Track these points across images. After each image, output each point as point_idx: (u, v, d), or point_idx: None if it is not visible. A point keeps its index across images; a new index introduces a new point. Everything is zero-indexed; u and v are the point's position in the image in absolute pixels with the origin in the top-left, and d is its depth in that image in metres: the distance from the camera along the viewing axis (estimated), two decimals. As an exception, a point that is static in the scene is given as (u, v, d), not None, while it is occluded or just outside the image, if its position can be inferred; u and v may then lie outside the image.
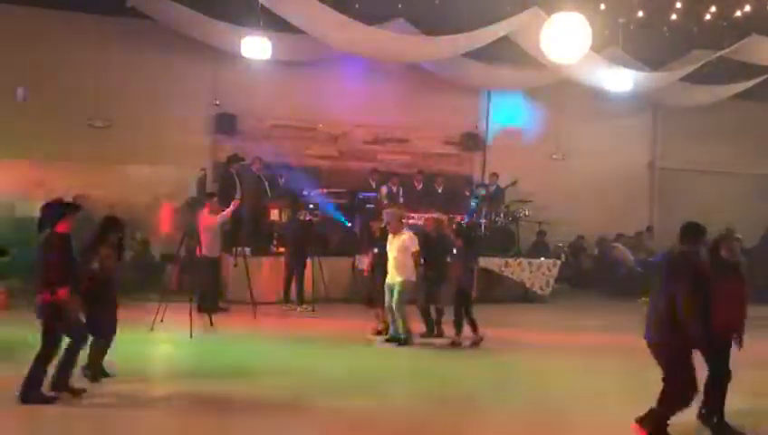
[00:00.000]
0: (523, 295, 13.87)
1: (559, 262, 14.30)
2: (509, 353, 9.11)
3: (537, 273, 13.81)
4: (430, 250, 9.38)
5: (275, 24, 12.67)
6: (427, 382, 7.57)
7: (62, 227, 6.16)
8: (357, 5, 13.15)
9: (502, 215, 14.37)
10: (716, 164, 18.37)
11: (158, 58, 14.20)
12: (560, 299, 14.09)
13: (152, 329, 9.35)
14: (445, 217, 11.85)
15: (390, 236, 9.05)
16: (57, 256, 6.05)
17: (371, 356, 8.92)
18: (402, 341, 9.07)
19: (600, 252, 17.02)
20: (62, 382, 6.21)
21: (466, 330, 9.31)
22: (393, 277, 9.06)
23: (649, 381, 5.61)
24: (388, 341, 9.24)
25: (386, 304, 9.22)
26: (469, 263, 9.39)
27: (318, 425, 5.93)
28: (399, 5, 13.68)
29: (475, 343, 9.24)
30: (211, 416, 6.07)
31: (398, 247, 8.99)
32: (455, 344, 9.23)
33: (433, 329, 9.66)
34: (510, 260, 13.65)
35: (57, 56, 13.61)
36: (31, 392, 5.99)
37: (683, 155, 18.34)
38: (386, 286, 9.15)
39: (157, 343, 9.12)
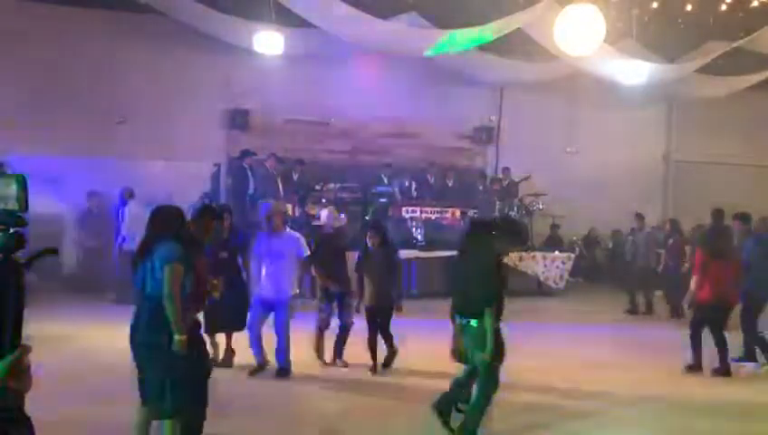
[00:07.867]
0: (538, 288, 13.83)
1: (573, 255, 14.25)
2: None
3: (551, 266, 13.77)
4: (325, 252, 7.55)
5: (288, 18, 12.67)
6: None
7: None
8: (369, -1, 13.12)
9: (515, 208, 14.34)
10: (732, 156, 18.22)
11: (171, 54, 14.24)
12: (574, 292, 14.03)
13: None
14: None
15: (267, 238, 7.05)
16: None
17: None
18: (284, 372, 7.12)
19: (614, 245, 16.96)
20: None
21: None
22: (274, 292, 7.07)
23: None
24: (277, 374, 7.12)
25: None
26: (390, 266, 7.44)
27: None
28: (411, -2, 13.65)
29: (388, 364, 7.56)
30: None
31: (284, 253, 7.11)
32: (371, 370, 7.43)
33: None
34: (524, 254, 13.61)
35: (72, 52, 13.66)
36: None
37: (698, 147, 18.23)
38: (259, 303, 7.14)
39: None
